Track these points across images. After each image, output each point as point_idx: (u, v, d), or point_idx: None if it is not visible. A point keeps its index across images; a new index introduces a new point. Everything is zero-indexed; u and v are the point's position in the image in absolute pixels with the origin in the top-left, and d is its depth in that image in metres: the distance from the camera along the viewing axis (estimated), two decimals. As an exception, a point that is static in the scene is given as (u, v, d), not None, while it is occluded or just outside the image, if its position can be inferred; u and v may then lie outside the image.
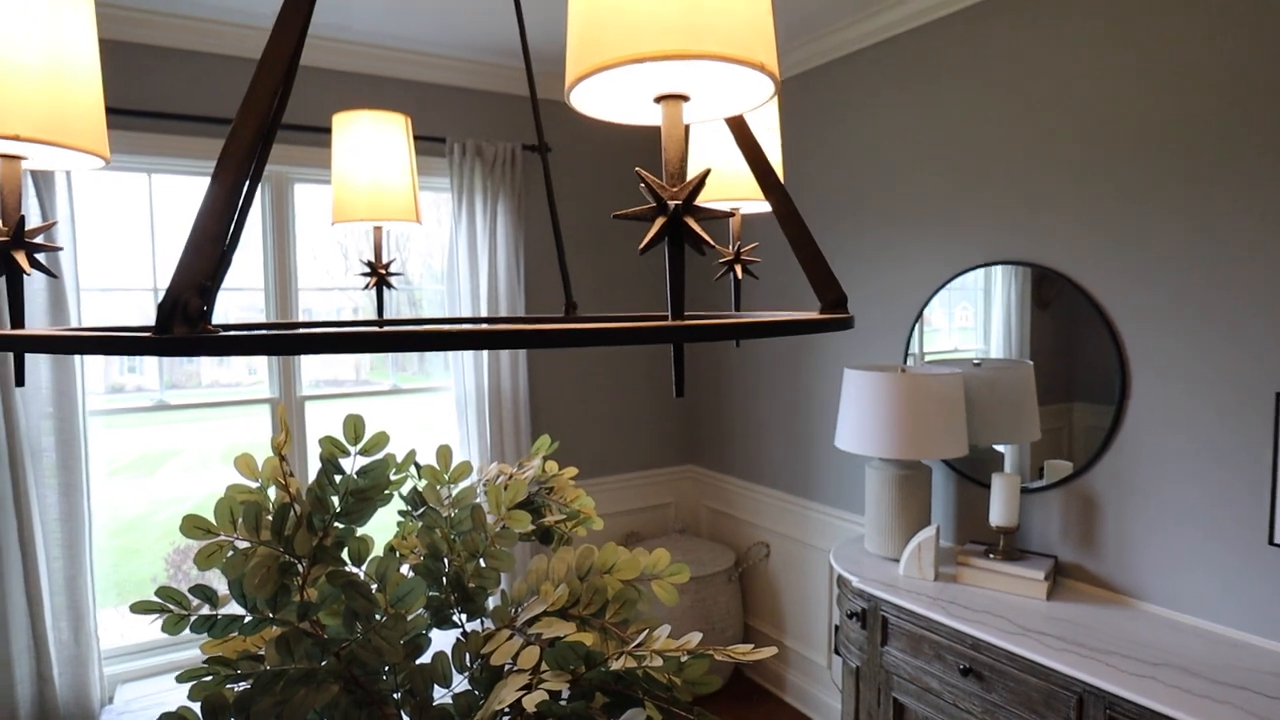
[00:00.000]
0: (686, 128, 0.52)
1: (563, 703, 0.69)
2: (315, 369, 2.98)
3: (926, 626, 1.97)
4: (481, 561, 0.91)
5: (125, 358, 3.48)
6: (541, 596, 0.83)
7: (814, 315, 0.66)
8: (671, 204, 0.50)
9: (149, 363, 3.96)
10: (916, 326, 2.48)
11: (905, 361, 2.54)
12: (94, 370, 2.60)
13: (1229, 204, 1.72)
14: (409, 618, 0.86)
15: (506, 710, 0.71)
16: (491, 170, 2.90)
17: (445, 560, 0.89)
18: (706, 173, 0.51)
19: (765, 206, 1.14)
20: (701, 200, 1.09)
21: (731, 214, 0.56)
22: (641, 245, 0.51)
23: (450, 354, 2.96)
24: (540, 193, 3.11)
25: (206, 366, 4.81)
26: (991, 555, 2.09)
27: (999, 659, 1.79)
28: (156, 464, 4.34)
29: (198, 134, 2.51)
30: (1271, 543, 1.69)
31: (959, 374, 2.23)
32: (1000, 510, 2.09)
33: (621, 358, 3.39)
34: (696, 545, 3.28)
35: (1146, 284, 1.88)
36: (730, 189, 1.10)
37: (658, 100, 0.54)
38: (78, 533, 2.37)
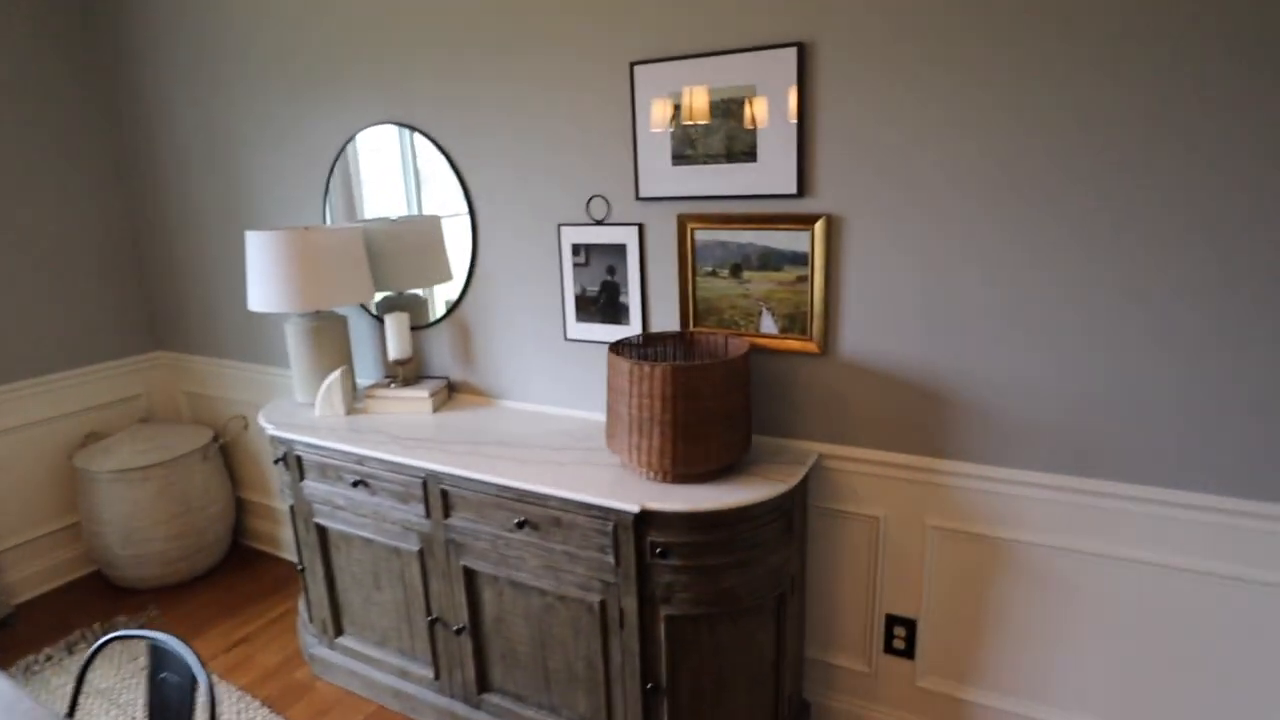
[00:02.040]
0: None
1: None
2: None
3: (329, 455, 2.19)
4: None
5: None
6: None
7: None
8: None
9: None
10: (347, 191, 2.57)
11: (326, 221, 2.64)
12: None
13: (525, 74, 2.05)
14: None
15: None
16: None
17: None
18: None
19: None
20: None
21: None
22: None
23: None
24: None
25: None
26: (393, 385, 2.38)
27: (377, 467, 2.09)
28: None
29: None
30: (566, 339, 2.21)
31: (358, 228, 2.40)
32: (394, 345, 2.36)
33: (48, 246, 2.94)
34: (162, 431, 3.13)
35: (478, 138, 2.20)
36: None
37: None
38: None
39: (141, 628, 2.84)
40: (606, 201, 2.03)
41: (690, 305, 1.98)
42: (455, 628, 2.08)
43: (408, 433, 2.18)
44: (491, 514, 1.91)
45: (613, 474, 1.82)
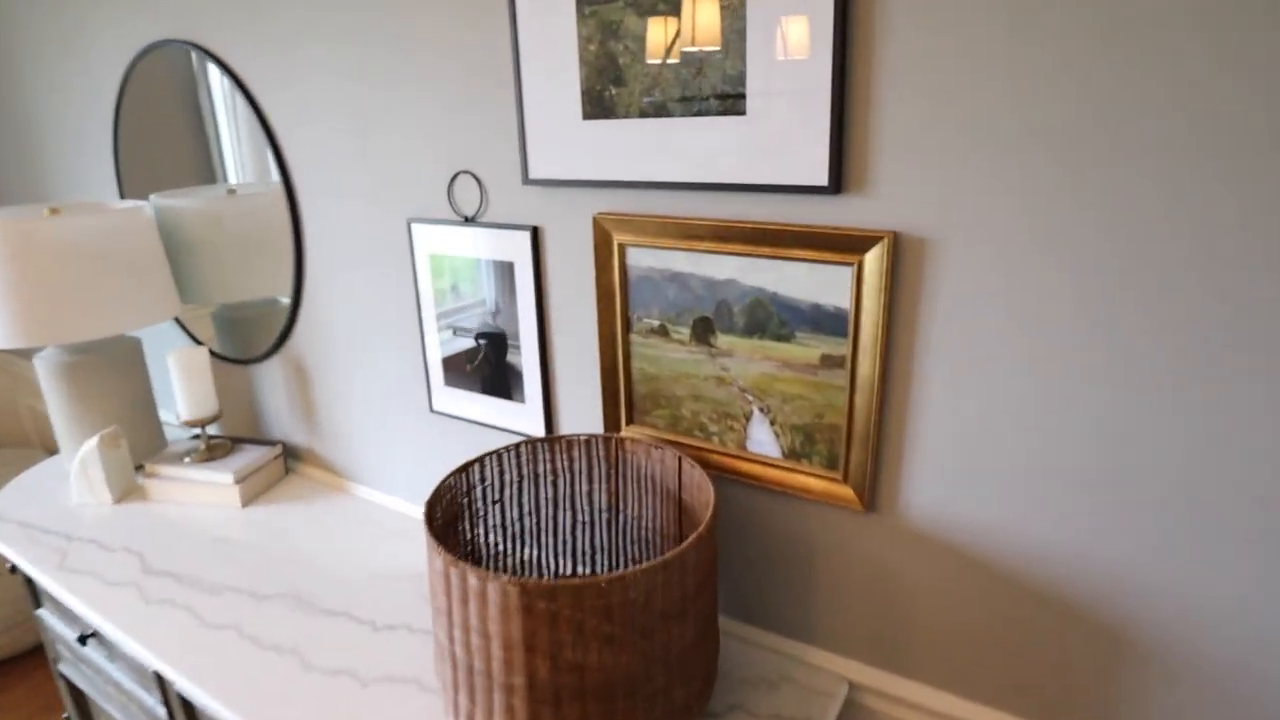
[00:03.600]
0: None
1: None
2: None
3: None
4: None
5: None
6: None
7: None
8: None
9: None
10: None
11: (124, 197, 1.77)
12: None
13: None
14: None
15: None
16: None
17: None
18: None
19: None
20: None
21: None
22: None
23: None
24: None
25: None
26: (189, 459, 1.53)
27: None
28: None
29: None
30: (432, 409, 1.31)
31: (143, 209, 1.52)
32: (183, 399, 1.50)
33: None
34: (-28, 466, 2.36)
35: (283, 57, 1.28)
36: None
37: None
38: None
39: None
40: (479, 184, 1.11)
41: (621, 384, 1.06)
42: None
43: (173, 558, 1.33)
44: (248, 756, 1.06)
45: (449, 720, 0.95)
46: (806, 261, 0.87)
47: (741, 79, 0.83)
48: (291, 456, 1.63)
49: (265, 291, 1.62)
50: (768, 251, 0.88)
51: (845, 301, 0.86)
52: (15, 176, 2.05)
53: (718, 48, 0.84)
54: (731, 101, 0.85)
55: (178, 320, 1.77)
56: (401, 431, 1.39)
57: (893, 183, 0.79)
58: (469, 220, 1.13)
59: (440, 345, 1.25)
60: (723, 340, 0.96)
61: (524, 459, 1.04)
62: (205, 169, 1.62)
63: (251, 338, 1.64)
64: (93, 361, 1.57)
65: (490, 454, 1.00)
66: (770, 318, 0.91)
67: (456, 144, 1.10)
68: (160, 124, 1.62)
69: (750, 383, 0.95)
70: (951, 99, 0.73)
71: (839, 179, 0.82)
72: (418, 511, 1.42)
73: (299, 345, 1.51)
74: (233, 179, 1.61)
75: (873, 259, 0.82)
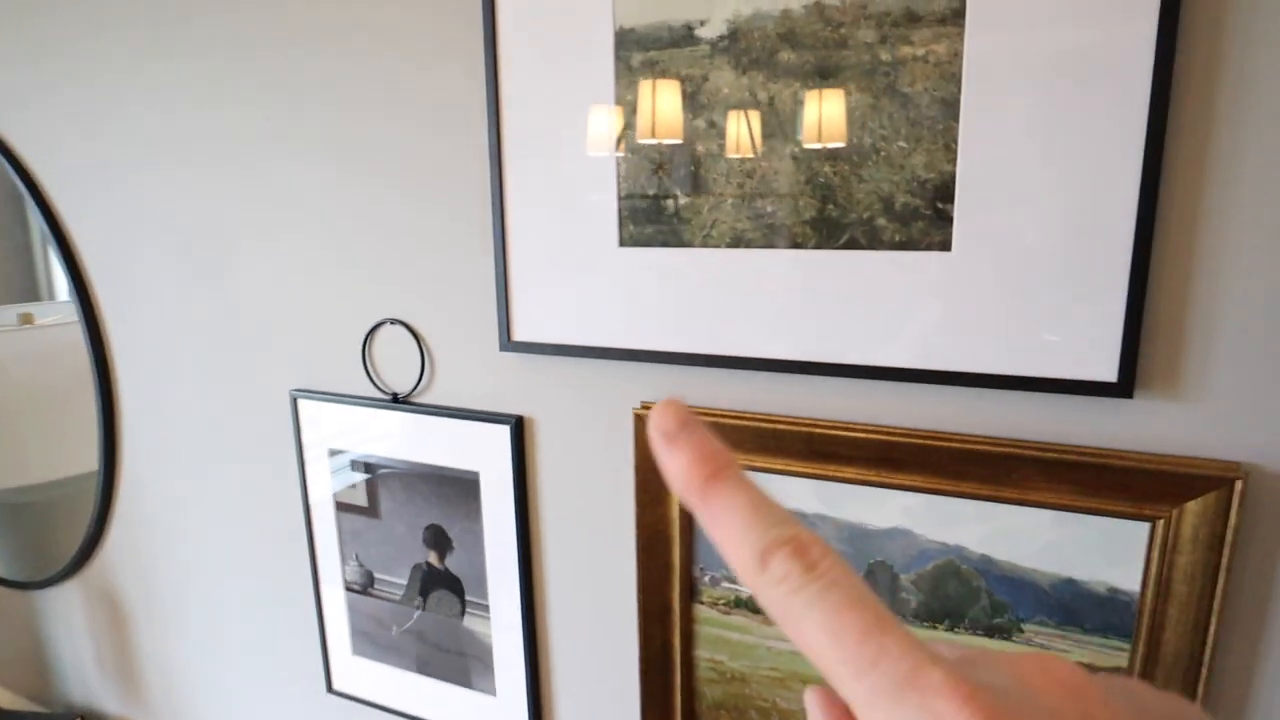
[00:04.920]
0: None
1: None
2: None
3: None
4: None
5: None
6: None
7: None
8: None
9: None
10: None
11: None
12: None
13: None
14: None
15: None
16: None
17: None
18: None
19: None
20: None
21: None
22: None
23: None
24: None
25: None
26: (-92, 762, 0.94)
27: None
28: None
29: None
30: (330, 689, 0.82)
31: None
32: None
33: None
34: None
35: (92, 123, 0.81)
36: None
37: None
38: None
39: None
40: (418, 342, 0.67)
41: (678, 685, 0.62)
42: None
43: None
44: None
45: None
46: (1053, 508, 0.48)
47: (947, 186, 0.45)
48: (96, 729, 1.06)
49: (74, 467, 1.08)
50: (977, 489, 0.49)
51: (1132, 580, 0.47)
52: None
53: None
54: (922, 226, 0.46)
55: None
56: (277, 715, 0.88)
57: (1246, 380, 0.43)
58: (399, 401, 0.68)
59: (346, 594, 0.77)
60: (877, 629, 0.54)
61: None
62: (26, 283, 1.09)
63: (47, 538, 1.08)
64: None
65: None
66: (974, 596, 0.51)
67: (382, 272, 0.67)
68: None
69: (928, 703, 0.54)
70: None
71: (1133, 370, 0.44)
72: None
73: (111, 565, 0.98)
74: (62, 298, 1.08)
75: (1199, 514, 0.44)
